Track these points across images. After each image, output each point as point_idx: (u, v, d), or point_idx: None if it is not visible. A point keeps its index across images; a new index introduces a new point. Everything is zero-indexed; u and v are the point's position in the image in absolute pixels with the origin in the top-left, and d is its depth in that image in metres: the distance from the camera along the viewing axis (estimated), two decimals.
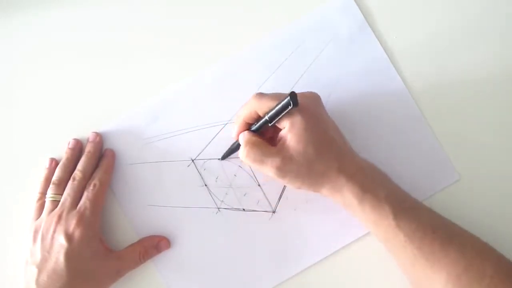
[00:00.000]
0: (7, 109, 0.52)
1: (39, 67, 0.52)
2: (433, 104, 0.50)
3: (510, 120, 0.50)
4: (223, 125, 0.50)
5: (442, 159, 0.49)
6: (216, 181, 0.50)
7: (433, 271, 0.40)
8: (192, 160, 0.50)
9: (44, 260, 0.44)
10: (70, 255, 0.44)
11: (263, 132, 0.45)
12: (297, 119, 0.42)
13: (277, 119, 0.42)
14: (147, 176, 0.50)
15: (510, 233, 0.48)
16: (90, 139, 0.50)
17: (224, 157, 0.49)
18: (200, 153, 0.50)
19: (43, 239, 0.45)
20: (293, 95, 0.40)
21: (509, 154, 0.49)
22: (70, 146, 0.50)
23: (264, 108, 0.43)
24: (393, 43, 0.51)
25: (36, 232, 0.46)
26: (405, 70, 0.51)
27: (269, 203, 0.49)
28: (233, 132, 0.46)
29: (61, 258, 0.44)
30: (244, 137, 0.44)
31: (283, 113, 0.41)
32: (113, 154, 0.50)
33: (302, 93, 0.44)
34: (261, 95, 0.43)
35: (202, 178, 0.50)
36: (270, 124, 0.43)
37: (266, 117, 0.42)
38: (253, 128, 0.45)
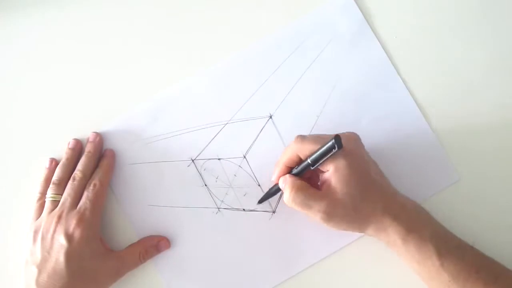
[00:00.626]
0: (7, 109, 0.52)
1: (39, 67, 0.52)
2: (433, 104, 0.50)
3: (511, 121, 0.50)
4: (223, 125, 0.50)
5: (442, 160, 0.49)
6: (216, 181, 0.50)
7: None
8: (192, 160, 0.50)
9: (44, 260, 0.44)
10: (70, 255, 0.44)
11: (303, 177, 0.45)
12: (341, 162, 0.42)
13: (320, 162, 0.42)
14: (147, 176, 0.50)
15: (510, 234, 0.48)
16: (90, 139, 0.50)
17: (262, 200, 0.49)
18: (200, 153, 0.50)
19: (43, 239, 0.45)
20: (337, 138, 0.40)
21: (509, 155, 0.49)
22: (70, 146, 0.50)
23: (306, 151, 0.43)
24: (393, 43, 0.51)
25: (36, 232, 0.46)
26: (405, 70, 0.51)
27: (269, 203, 0.49)
28: (273, 175, 0.46)
29: (61, 258, 0.44)
30: (287, 181, 0.44)
31: (327, 156, 0.41)
32: (113, 154, 0.50)
33: (343, 134, 0.44)
34: (302, 138, 0.43)
35: (202, 178, 0.50)
36: (312, 168, 0.42)
37: (309, 161, 0.42)
38: (295, 171, 0.44)
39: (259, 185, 0.49)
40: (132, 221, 0.49)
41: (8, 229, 0.50)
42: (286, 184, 0.44)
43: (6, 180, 0.50)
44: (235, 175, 0.50)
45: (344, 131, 0.45)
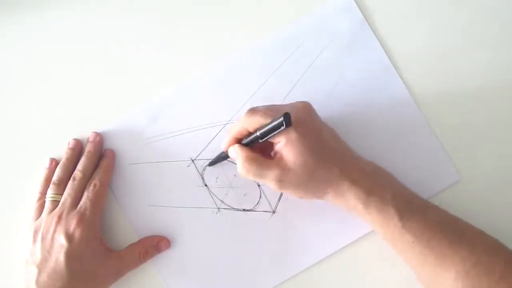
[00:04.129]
0: (7, 109, 0.52)
1: (39, 68, 0.52)
2: (433, 104, 0.50)
3: (511, 121, 0.50)
4: (223, 125, 0.50)
5: (442, 160, 0.49)
6: (216, 181, 0.50)
7: (442, 269, 0.40)
8: (192, 160, 0.50)
9: (44, 260, 0.44)
10: (70, 255, 0.44)
11: (254, 146, 0.44)
12: (292, 134, 0.41)
13: (268, 137, 0.42)
14: (147, 176, 0.50)
15: (510, 234, 0.48)
16: (90, 139, 0.50)
17: (212, 163, 0.49)
18: (200, 153, 0.50)
19: (43, 239, 0.45)
20: (286, 115, 0.39)
21: (510, 155, 0.49)
22: (70, 146, 0.50)
23: (255, 124, 0.42)
24: (393, 43, 0.51)
25: (36, 232, 0.46)
26: (405, 70, 0.51)
27: (269, 203, 0.49)
28: (222, 144, 0.46)
29: (61, 258, 0.44)
30: (238, 152, 0.44)
31: (276, 132, 0.41)
32: (113, 154, 0.50)
33: (294, 105, 0.44)
34: (253, 111, 0.43)
35: (202, 178, 0.50)
36: (260, 141, 0.42)
37: (258, 133, 0.42)
38: (244, 141, 0.44)
39: (259, 185, 0.49)
40: (132, 221, 0.49)
41: (8, 229, 0.50)
42: (238, 155, 0.43)
43: (6, 180, 0.50)
44: (235, 175, 0.50)
45: (294, 101, 0.44)
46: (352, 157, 0.44)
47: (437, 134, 0.49)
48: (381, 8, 0.51)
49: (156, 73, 0.51)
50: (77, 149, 0.50)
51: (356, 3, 0.51)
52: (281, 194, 0.49)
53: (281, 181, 0.42)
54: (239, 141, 0.45)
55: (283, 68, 0.51)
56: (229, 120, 0.50)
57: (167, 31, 0.52)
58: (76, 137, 0.50)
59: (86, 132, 0.50)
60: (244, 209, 0.49)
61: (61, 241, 0.44)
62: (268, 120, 0.41)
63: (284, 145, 0.42)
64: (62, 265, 0.44)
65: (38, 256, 0.45)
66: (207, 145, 0.50)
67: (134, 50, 0.52)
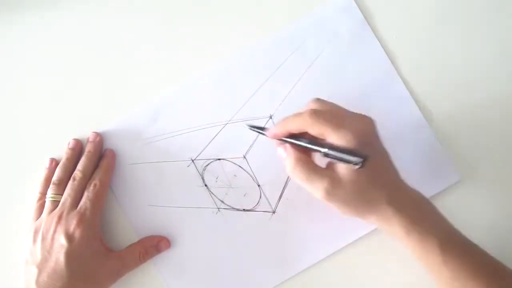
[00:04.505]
0: (7, 109, 0.52)
1: (39, 67, 0.52)
2: (433, 104, 0.50)
3: (511, 121, 0.50)
4: (223, 125, 0.50)
5: (443, 160, 0.49)
6: (216, 181, 0.50)
7: None
8: (192, 160, 0.50)
9: (44, 260, 0.44)
10: (70, 255, 0.44)
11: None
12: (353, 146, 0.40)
13: (334, 158, 0.39)
14: (147, 176, 0.50)
15: (511, 234, 0.48)
16: (90, 139, 0.50)
17: (252, 127, 0.46)
18: (200, 153, 0.50)
19: (43, 239, 0.45)
20: (365, 160, 0.37)
21: (510, 155, 0.49)
22: (70, 146, 0.50)
23: (317, 131, 0.40)
24: (393, 43, 0.51)
25: (36, 232, 0.46)
26: (405, 70, 0.51)
27: (269, 203, 0.49)
28: (271, 130, 0.43)
29: (62, 258, 0.44)
30: (290, 152, 0.42)
31: (344, 160, 0.39)
32: (113, 154, 0.50)
33: (359, 116, 0.42)
34: (317, 115, 0.40)
35: (202, 178, 0.50)
36: (322, 156, 0.40)
37: (325, 151, 0.39)
38: (301, 142, 0.42)
39: (259, 185, 0.49)
40: (132, 221, 0.49)
41: (8, 229, 0.50)
42: (290, 155, 0.42)
43: (6, 180, 0.50)
44: (235, 175, 0.50)
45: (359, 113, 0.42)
46: (400, 183, 0.43)
47: (437, 134, 0.49)
48: (381, 8, 0.51)
49: (156, 73, 0.51)
50: (77, 149, 0.50)
51: (356, 3, 0.51)
52: (281, 194, 0.49)
53: (329, 193, 0.41)
54: (290, 136, 0.43)
55: (283, 68, 0.51)
56: (229, 120, 0.50)
57: (167, 31, 0.52)
58: (76, 137, 0.50)
59: (86, 132, 0.50)
60: (244, 209, 0.49)
61: (61, 241, 0.44)
62: (336, 135, 0.39)
63: None
64: (62, 265, 0.44)
65: (38, 256, 0.45)
66: (207, 145, 0.50)
67: (134, 50, 0.52)
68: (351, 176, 0.40)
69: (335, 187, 0.40)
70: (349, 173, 0.40)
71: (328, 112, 0.41)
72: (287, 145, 0.42)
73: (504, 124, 0.50)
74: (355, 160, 0.38)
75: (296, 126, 0.42)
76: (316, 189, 0.41)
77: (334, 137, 0.40)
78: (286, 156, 0.42)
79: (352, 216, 0.43)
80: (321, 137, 0.41)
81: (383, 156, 0.43)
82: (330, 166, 0.42)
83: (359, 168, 0.38)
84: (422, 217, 0.42)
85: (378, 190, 0.41)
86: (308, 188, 0.42)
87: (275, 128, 0.43)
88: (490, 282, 0.40)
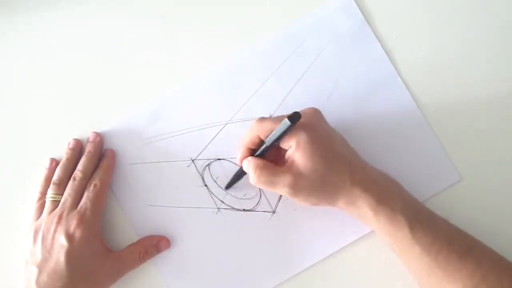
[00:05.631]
0: (7, 109, 0.52)
1: (39, 67, 0.52)
2: (434, 104, 0.50)
3: (511, 121, 0.50)
4: (223, 125, 0.50)
5: (443, 160, 0.49)
6: (216, 181, 0.50)
7: (449, 282, 0.40)
8: (192, 160, 0.50)
9: (44, 260, 0.44)
10: (70, 255, 0.44)
11: (267, 155, 0.45)
12: (302, 137, 0.42)
13: (277, 138, 0.42)
14: (147, 176, 0.50)
15: (510, 234, 0.48)
16: (90, 139, 0.50)
17: (229, 186, 0.49)
18: (200, 153, 0.50)
19: (43, 239, 0.45)
20: (293, 115, 0.40)
21: (510, 155, 0.49)
22: (70, 146, 0.50)
23: (266, 131, 0.43)
24: (393, 43, 0.51)
25: (36, 232, 0.46)
26: (405, 70, 0.51)
27: (269, 203, 0.49)
28: (237, 159, 0.46)
29: (62, 258, 0.44)
30: (250, 163, 0.44)
31: (285, 133, 0.41)
32: (113, 154, 0.50)
33: (303, 111, 0.44)
34: (262, 119, 0.44)
35: (202, 178, 0.50)
36: (269, 145, 0.43)
37: (266, 142, 0.43)
38: (257, 154, 0.44)
39: None
40: (132, 221, 0.49)
41: (8, 229, 0.50)
42: (250, 164, 0.44)
43: (6, 180, 0.50)
44: None
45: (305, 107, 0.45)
46: (363, 165, 0.44)
47: (437, 134, 0.49)
48: (381, 8, 0.51)
49: (156, 73, 0.51)
50: (77, 149, 0.50)
51: (356, 3, 0.51)
52: (281, 195, 0.49)
53: (294, 187, 0.42)
54: (252, 152, 0.45)
55: (283, 68, 0.51)
56: (229, 120, 0.50)
57: (167, 31, 0.52)
58: (76, 137, 0.50)
59: (86, 132, 0.50)
60: (244, 209, 0.49)
61: (61, 241, 0.44)
62: (278, 125, 0.42)
63: (295, 149, 0.42)
64: (62, 265, 0.44)
65: (38, 256, 0.45)
66: (207, 145, 0.50)
67: (134, 50, 0.52)
68: (310, 163, 0.41)
69: (297, 180, 0.42)
70: (307, 161, 0.41)
71: (274, 117, 0.44)
72: (249, 157, 0.45)
73: (504, 124, 0.50)
74: (285, 121, 0.40)
75: (249, 138, 0.44)
76: (282, 187, 0.42)
77: (275, 124, 0.42)
78: (247, 167, 0.44)
79: (322, 205, 0.44)
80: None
81: (335, 139, 0.44)
82: (289, 162, 0.43)
83: (293, 123, 0.40)
84: (388, 196, 0.42)
85: (338, 173, 0.42)
86: (274, 190, 0.43)
87: (238, 156, 0.46)
88: (461, 254, 0.41)
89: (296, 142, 0.42)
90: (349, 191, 0.42)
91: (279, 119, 0.42)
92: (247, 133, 0.45)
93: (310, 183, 0.42)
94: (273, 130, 0.42)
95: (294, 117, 0.40)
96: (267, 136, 0.43)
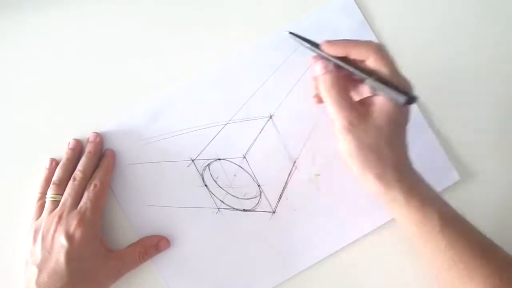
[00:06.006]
0: (7, 109, 0.52)
1: (39, 67, 0.52)
2: (433, 104, 0.50)
3: (511, 121, 0.50)
4: (223, 125, 0.50)
5: (442, 160, 0.49)
6: (216, 181, 0.50)
7: (470, 279, 0.40)
8: (192, 160, 0.50)
9: (44, 260, 0.44)
10: (70, 255, 0.44)
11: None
12: (393, 107, 0.41)
13: (382, 88, 0.40)
14: (147, 176, 0.50)
15: (510, 234, 0.48)
16: (90, 139, 0.50)
17: (296, 35, 0.45)
18: (200, 153, 0.50)
19: (43, 239, 0.45)
20: (414, 98, 0.39)
21: (510, 155, 0.49)
22: (70, 146, 0.50)
23: (360, 54, 0.41)
24: (393, 43, 0.51)
25: (36, 232, 0.46)
26: (405, 70, 0.50)
27: (269, 203, 0.49)
28: (328, 40, 0.43)
29: (62, 258, 0.44)
30: (334, 71, 0.42)
31: (390, 92, 0.40)
32: (113, 154, 0.50)
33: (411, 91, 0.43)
34: (386, 50, 0.42)
35: (202, 178, 0.50)
36: (369, 82, 0.41)
37: (372, 80, 0.40)
38: (350, 69, 0.42)
39: (259, 185, 0.49)
40: (132, 221, 0.49)
41: (8, 229, 0.50)
42: (330, 72, 0.42)
43: (6, 180, 0.50)
44: (235, 175, 0.50)
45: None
46: (409, 160, 0.43)
47: (437, 134, 0.50)
48: (381, 8, 0.51)
49: (156, 73, 0.51)
50: (77, 149, 0.50)
51: (356, 3, 0.51)
52: (281, 194, 0.49)
53: (352, 124, 0.40)
54: (341, 59, 0.43)
55: (283, 68, 0.51)
56: (229, 120, 0.50)
57: (167, 31, 0.52)
58: (76, 137, 0.50)
59: (86, 132, 0.50)
60: (244, 209, 0.49)
61: (61, 241, 0.44)
62: (391, 74, 0.40)
63: (382, 102, 0.41)
64: (62, 265, 0.44)
65: (38, 256, 0.45)
66: (207, 145, 0.50)
67: (134, 50, 0.52)
68: (380, 122, 0.41)
69: (360, 122, 0.41)
70: (381, 121, 0.41)
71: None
72: (330, 63, 0.42)
73: (504, 124, 0.50)
74: (402, 96, 0.39)
75: (357, 50, 0.42)
76: (341, 116, 0.41)
77: (394, 77, 0.40)
78: (325, 72, 0.42)
79: (354, 164, 0.42)
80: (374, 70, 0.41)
81: (405, 136, 0.43)
82: (365, 102, 0.42)
83: (405, 104, 0.39)
84: (422, 188, 0.42)
85: (392, 151, 0.41)
86: (334, 112, 0.41)
87: (333, 42, 0.43)
88: (485, 254, 0.40)
89: (389, 102, 0.41)
90: (389, 172, 0.41)
91: (398, 70, 0.41)
92: (361, 44, 0.42)
93: (367, 135, 0.41)
94: (378, 68, 0.41)
95: (412, 99, 0.39)
96: (360, 60, 0.41)
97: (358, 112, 0.41)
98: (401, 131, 0.43)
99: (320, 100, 0.44)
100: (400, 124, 0.42)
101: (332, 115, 0.42)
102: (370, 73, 0.41)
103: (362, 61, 0.42)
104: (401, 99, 0.39)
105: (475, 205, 0.48)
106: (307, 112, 0.50)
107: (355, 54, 0.42)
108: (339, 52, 0.42)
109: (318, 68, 0.43)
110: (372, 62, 0.42)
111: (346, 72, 0.42)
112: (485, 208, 0.48)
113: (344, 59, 0.42)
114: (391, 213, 0.43)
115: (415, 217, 0.41)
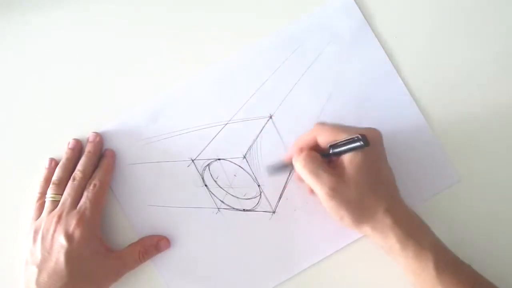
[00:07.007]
0: (7, 109, 0.51)
1: (39, 67, 0.52)
2: (433, 104, 0.50)
3: (511, 122, 0.50)
4: (223, 125, 0.50)
5: (442, 160, 0.49)
6: (216, 181, 0.50)
7: None
8: (192, 160, 0.50)
9: (44, 260, 0.44)
10: (70, 255, 0.44)
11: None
12: (360, 153, 0.42)
13: (343, 153, 0.43)
14: (147, 176, 0.50)
15: (510, 235, 0.48)
16: (90, 139, 0.50)
17: (273, 170, 0.49)
18: (200, 153, 0.50)
19: (43, 239, 0.45)
20: (364, 137, 0.41)
21: (510, 156, 0.49)
22: (70, 146, 0.50)
23: (326, 138, 0.44)
24: (393, 43, 0.51)
25: (36, 232, 0.46)
26: (405, 70, 0.51)
27: (269, 203, 0.49)
28: (286, 154, 0.47)
29: (61, 258, 0.44)
30: (304, 151, 0.44)
31: (351, 148, 0.42)
32: (113, 154, 0.50)
33: (368, 130, 0.44)
34: (322, 124, 0.44)
35: (202, 178, 0.50)
36: (331, 152, 0.43)
37: (331, 150, 0.43)
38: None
39: (259, 185, 0.49)
40: (132, 221, 0.49)
41: (8, 229, 0.50)
42: (301, 154, 0.44)
43: (6, 180, 0.50)
44: (235, 175, 0.50)
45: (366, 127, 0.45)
46: (400, 199, 0.44)
47: (437, 134, 0.49)
48: (381, 8, 0.51)
49: (156, 73, 0.51)
50: (77, 149, 0.50)
51: (356, 3, 0.51)
52: (281, 194, 0.49)
53: (334, 190, 0.42)
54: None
55: (283, 68, 0.51)
56: (229, 120, 0.50)
57: (167, 30, 0.52)
58: (76, 137, 0.50)
59: (86, 132, 0.50)
60: (244, 209, 0.49)
61: (61, 241, 0.44)
62: (341, 136, 0.42)
63: (350, 160, 0.42)
64: (62, 265, 0.44)
65: (38, 256, 0.45)
66: (207, 145, 0.50)
67: (134, 50, 0.52)
68: (356, 177, 0.42)
69: (340, 185, 0.42)
70: (356, 173, 0.42)
71: (332, 123, 0.45)
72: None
73: (504, 124, 0.50)
74: (358, 141, 0.41)
75: (305, 139, 0.45)
76: (322, 185, 0.42)
77: (343, 133, 0.42)
78: (297, 155, 0.44)
79: (347, 221, 0.43)
80: (328, 143, 0.44)
81: (385, 167, 0.44)
82: (339, 168, 0.43)
83: (362, 147, 0.41)
84: (417, 233, 0.42)
85: (378, 198, 0.42)
86: (314, 184, 0.43)
87: (289, 152, 0.46)
88: None
89: (354, 154, 0.42)
90: (381, 219, 0.42)
91: (339, 129, 0.43)
92: (305, 135, 0.45)
93: (349, 194, 0.42)
94: (332, 139, 0.43)
95: (366, 141, 0.41)
96: (327, 143, 0.43)
97: (334, 175, 0.42)
98: (379, 167, 0.44)
99: (312, 190, 0.45)
100: (374, 161, 0.43)
101: (314, 188, 0.43)
102: (328, 147, 0.43)
103: (318, 144, 0.45)
104: (359, 145, 0.41)
105: (474, 206, 0.48)
106: (307, 112, 0.50)
107: (309, 144, 0.45)
108: (297, 150, 0.45)
109: (296, 154, 0.45)
110: (321, 138, 0.44)
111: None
112: (484, 209, 0.48)
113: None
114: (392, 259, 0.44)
115: (412, 265, 0.42)
